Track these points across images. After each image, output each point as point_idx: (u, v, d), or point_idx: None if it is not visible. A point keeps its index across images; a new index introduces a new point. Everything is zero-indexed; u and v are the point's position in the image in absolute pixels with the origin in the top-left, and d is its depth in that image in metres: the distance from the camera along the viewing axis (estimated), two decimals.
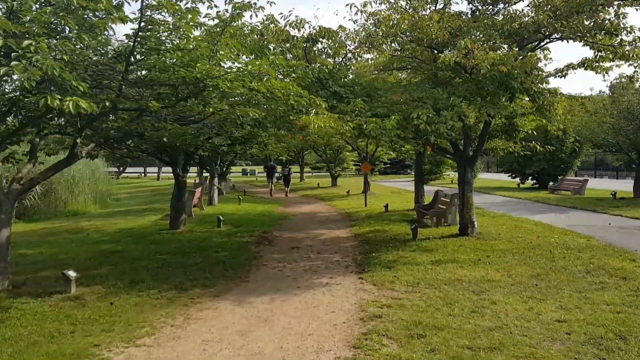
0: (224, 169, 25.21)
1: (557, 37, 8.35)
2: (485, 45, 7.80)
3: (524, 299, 6.14)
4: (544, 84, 8.56)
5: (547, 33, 8.29)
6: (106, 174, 39.02)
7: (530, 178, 29.11)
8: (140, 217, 16.87)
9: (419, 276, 7.34)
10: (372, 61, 10.06)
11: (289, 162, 43.43)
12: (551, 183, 28.13)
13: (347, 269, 8.18)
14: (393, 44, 8.95)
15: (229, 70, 5.55)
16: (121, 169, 54.33)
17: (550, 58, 8.26)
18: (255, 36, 7.46)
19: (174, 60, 5.83)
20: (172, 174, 12.97)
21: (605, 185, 29.52)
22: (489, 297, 6.18)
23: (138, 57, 6.00)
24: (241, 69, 5.66)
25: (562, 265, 8.02)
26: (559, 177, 27.81)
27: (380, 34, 8.32)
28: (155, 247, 10.72)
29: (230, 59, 6.06)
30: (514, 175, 29.76)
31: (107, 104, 5.77)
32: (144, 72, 6.27)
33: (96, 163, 34.36)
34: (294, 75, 6.47)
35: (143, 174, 59.77)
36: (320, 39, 8.56)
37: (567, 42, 9.33)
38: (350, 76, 9.19)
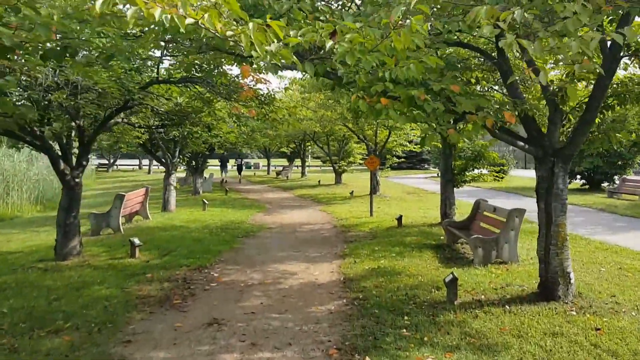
0: (200, 163, 20.44)
1: None
2: None
3: None
4: None
5: None
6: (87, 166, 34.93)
7: (579, 177, 23.64)
8: None
9: None
10: None
11: (291, 157, 38.42)
12: (606, 184, 22.70)
13: None
14: None
15: None
16: (112, 160, 50.03)
17: None
18: None
19: None
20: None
21: None
22: None
23: None
24: None
25: None
26: (615, 177, 22.36)
27: None
28: None
29: None
30: None
31: None
32: None
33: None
34: None
35: (139, 167, 55.10)
36: None
37: None
38: None
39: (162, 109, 8.37)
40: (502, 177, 28.27)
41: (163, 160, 14.41)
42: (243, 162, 34.72)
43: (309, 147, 35.82)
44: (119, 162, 53.62)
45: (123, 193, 11.31)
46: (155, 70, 7.33)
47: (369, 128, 18.85)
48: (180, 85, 7.60)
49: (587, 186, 23.38)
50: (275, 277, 7.22)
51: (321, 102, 16.62)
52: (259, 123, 8.83)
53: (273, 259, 8.51)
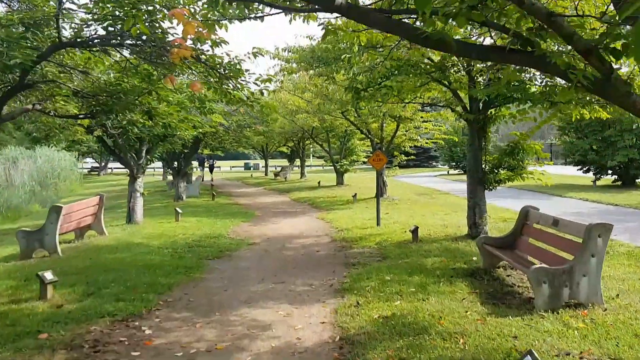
0: (182, 165, 18.04)
1: None
2: None
3: None
4: None
5: None
6: (72, 170, 32.53)
7: (610, 173, 21.04)
8: None
9: None
10: None
11: (291, 156, 35.98)
12: None
13: None
14: None
15: None
16: (103, 164, 47.72)
17: None
18: None
19: None
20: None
21: None
22: None
23: None
24: None
25: None
26: None
27: None
28: None
29: None
30: (586, 169, 21.71)
31: None
32: None
33: (60, 156, 27.69)
34: None
35: None
36: None
37: None
38: None
39: (84, 90, 5.90)
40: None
41: (126, 161, 11.96)
42: (214, 162, 38.78)
43: (309, 145, 33.37)
44: (113, 165, 51.31)
45: (60, 205, 8.86)
46: (55, 28, 4.86)
47: (373, 120, 16.33)
48: (95, 50, 5.15)
49: (619, 182, 20.82)
50: (236, 336, 4.74)
51: (313, 88, 14.09)
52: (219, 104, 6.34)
53: (242, 298, 6.03)
